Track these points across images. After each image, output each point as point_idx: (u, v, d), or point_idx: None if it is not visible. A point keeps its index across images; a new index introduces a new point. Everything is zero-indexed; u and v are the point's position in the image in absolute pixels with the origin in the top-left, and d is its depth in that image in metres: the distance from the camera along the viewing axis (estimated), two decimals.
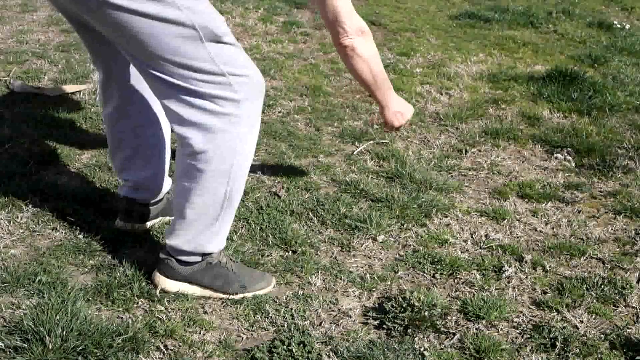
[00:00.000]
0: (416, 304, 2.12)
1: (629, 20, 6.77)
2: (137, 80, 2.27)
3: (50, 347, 1.84)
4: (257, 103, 2.01)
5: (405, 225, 2.72)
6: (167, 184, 2.52)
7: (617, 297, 2.31)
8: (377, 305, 2.22)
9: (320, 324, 2.11)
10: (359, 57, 2.46)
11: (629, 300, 2.31)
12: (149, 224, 2.52)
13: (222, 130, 1.94)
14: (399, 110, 2.70)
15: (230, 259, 2.25)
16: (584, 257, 2.56)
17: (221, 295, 2.19)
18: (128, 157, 2.39)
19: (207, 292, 2.18)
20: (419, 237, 2.65)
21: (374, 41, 2.52)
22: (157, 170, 2.42)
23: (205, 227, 2.09)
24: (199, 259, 2.15)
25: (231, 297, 2.18)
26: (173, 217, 2.16)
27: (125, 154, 2.39)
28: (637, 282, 2.42)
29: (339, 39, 2.42)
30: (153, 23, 1.78)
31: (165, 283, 2.17)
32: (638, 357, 2.00)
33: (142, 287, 2.17)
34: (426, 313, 2.10)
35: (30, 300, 2.07)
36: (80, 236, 2.44)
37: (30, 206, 2.60)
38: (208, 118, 1.91)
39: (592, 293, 2.32)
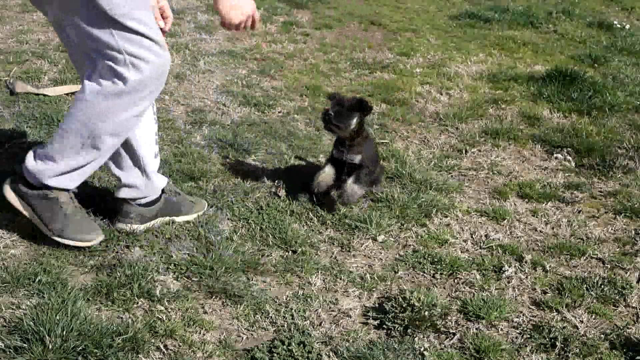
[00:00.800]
0: (416, 304, 2.12)
1: (629, 20, 6.77)
2: None
3: (50, 347, 1.84)
4: (154, 86, 2.19)
5: (405, 225, 2.72)
6: (161, 181, 2.53)
7: (617, 297, 2.31)
8: (377, 305, 2.22)
9: (320, 324, 2.11)
10: None
11: (629, 300, 2.31)
12: (148, 224, 2.52)
13: (105, 96, 2.26)
14: (234, 3, 2.27)
15: (80, 208, 2.36)
16: (584, 257, 2.56)
17: (46, 230, 2.30)
18: (118, 156, 2.40)
19: (36, 220, 2.30)
20: (419, 237, 2.65)
21: None
22: (144, 169, 2.43)
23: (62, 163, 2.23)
24: (39, 187, 2.29)
25: (52, 234, 2.29)
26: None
27: (116, 154, 2.40)
28: (637, 282, 2.42)
29: None
30: None
31: (7, 192, 2.33)
32: (638, 357, 2.00)
33: (142, 287, 2.17)
34: (426, 313, 2.10)
35: (30, 300, 2.07)
36: None
37: None
38: (102, 82, 2.28)
39: (592, 293, 2.32)
